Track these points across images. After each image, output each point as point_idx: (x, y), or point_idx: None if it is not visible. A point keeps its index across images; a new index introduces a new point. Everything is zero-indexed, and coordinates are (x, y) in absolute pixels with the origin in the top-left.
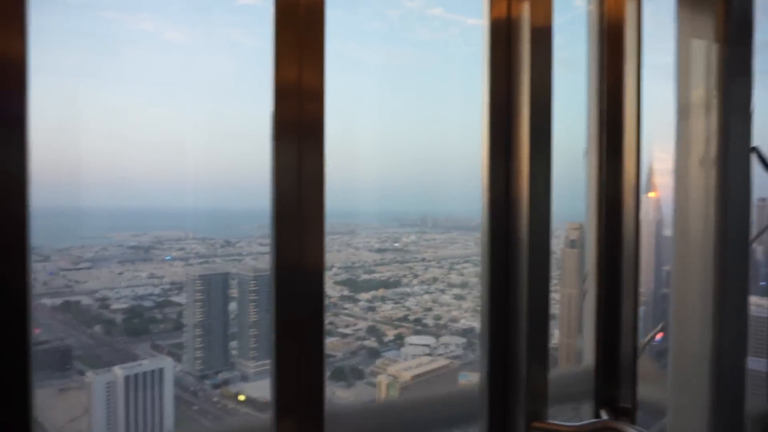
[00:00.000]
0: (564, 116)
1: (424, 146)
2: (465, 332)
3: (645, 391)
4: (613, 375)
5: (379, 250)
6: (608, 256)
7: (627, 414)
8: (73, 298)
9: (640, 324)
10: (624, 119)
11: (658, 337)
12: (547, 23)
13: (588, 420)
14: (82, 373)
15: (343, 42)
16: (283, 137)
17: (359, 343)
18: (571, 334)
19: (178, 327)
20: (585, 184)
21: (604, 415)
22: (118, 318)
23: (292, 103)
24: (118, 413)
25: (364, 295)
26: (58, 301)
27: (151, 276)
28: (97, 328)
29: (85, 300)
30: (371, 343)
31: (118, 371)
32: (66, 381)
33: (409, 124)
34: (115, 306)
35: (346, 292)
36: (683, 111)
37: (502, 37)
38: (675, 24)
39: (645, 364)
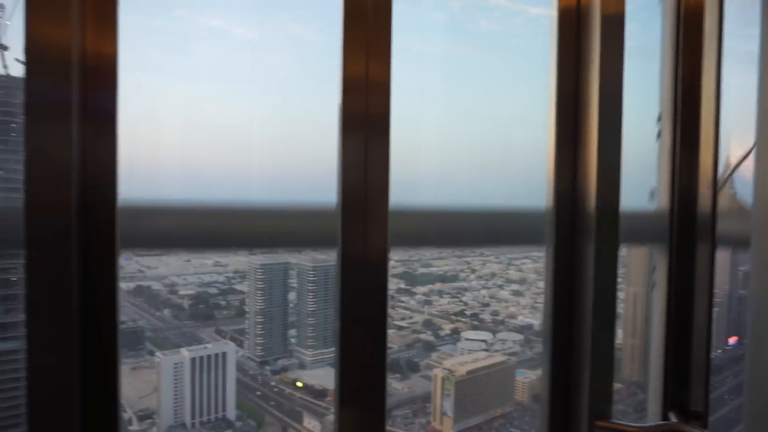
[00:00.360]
0: (635, 106)
1: (485, 140)
2: (523, 329)
3: None
4: (683, 377)
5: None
6: (680, 253)
7: (698, 418)
8: (145, 283)
9: (714, 326)
10: (701, 110)
11: (732, 341)
12: (618, 10)
13: (656, 422)
14: (152, 353)
15: (405, 35)
16: (350, 130)
17: (415, 336)
18: (635, 333)
19: (241, 314)
20: (656, 177)
21: (673, 418)
22: (185, 303)
23: (359, 97)
24: (184, 393)
25: (421, 289)
26: (132, 285)
27: (216, 264)
28: (166, 312)
29: (155, 285)
30: (427, 336)
31: (185, 353)
32: (138, 360)
33: (470, 117)
34: (182, 292)
35: (402, 285)
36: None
37: (571, 26)
38: (761, 8)
39: None
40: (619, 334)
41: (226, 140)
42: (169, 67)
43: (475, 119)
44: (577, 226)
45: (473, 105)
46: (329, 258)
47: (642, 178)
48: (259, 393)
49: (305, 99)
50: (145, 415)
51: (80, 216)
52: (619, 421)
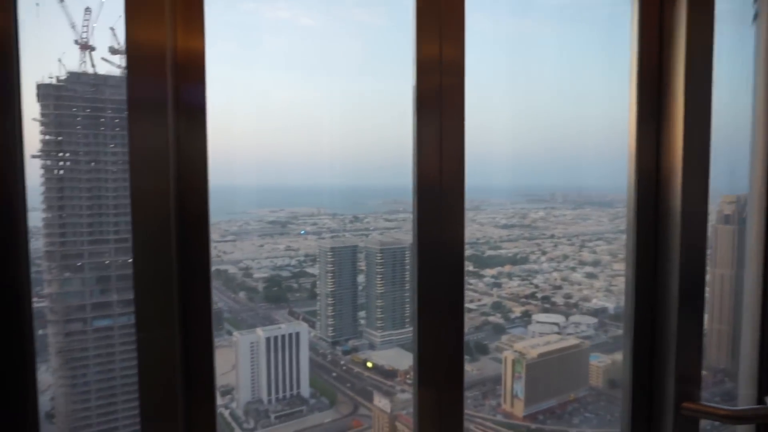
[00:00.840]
0: (725, 77)
1: (557, 119)
2: (597, 312)
3: None
4: None
5: (506, 226)
6: None
7: None
8: (222, 267)
9: None
10: None
11: None
12: None
13: (750, 406)
14: (230, 333)
15: (471, 14)
16: (425, 111)
17: (484, 318)
18: (722, 318)
19: (312, 296)
20: (749, 154)
21: None
22: (260, 286)
23: (434, 78)
24: (260, 371)
25: (489, 271)
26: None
27: (288, 248)
28: (242, 295)
29: (231, 269)
30: (496, 319)
31: (260, 332)
32: (218, 339)
33: (539, 97)
34: (256, 275)
35: (470, 268)
36: None
37: None
38: None
39: None
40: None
41: (299, 126)
42: (241, 59)
43: (544, 98)
44: (661, 206)
45: (541, 83)
46: (396, 241)
47: (728, 154)
48: (331, 372)
49: (375, 82)
50: (226, 391)
51: (177, 203)
52: (708, 404)
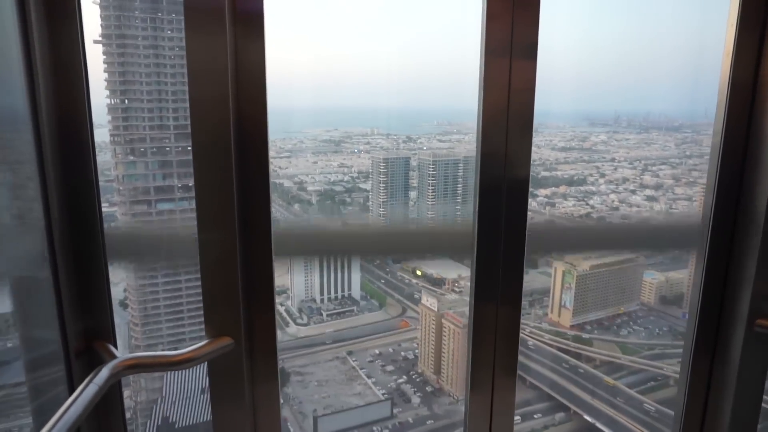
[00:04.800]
0: None
1: (625, 37)
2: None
3: None
4: None
5: (563, 149)
6: None
7: None
8: (278, 181)
9: None
10: None
11: None
12: None
13: None
14: None
15: None
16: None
17: (534, 234)
18: None
19: (365, 209)
20: None
21: None
22: (314, 199)
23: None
24: (314, 272)
25: (543, 191)
26: None
27: (341, 165)
28: (297, 207)
29: (287, 182)
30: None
31: None
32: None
33: (607, 11)
34: (310, 188)
35: None
36: None
37: None
38: None
39: None
40: None
41: (348, 47)
42: None
43: (611, 13)
44: (756, 118)
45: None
46: (449, 153)
47: None
48: (381, 279)
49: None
50: (281, 291)
51: (236, 111)
52: None
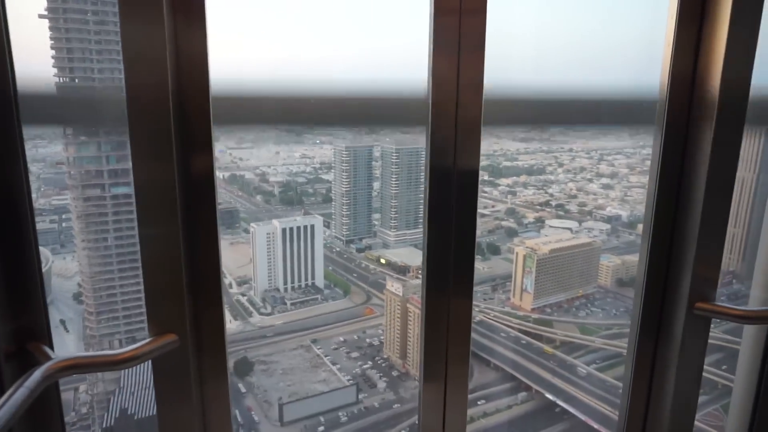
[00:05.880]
0: None
1: (577, 29)
2: (610, 219)
3: None
4: None
5: (523, 140)
6: None
7: None
8: (239, 173)
9: None
10: None
11: None
12: None
13: (765, 307)
14: (247, 231)
15: None
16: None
17: (497, 222)
18: (737, 222)
19: (327, 200)
20: None
21: None
22: (276, 190)
23: None
24: (277, 261)
25: (505, 180)
26: (227, 174)
27: (303, 156)
28: (258, 198)
29: (248, 174)
30: (509, 223)
31: (277, 224)
32: (235, 236)
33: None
34: (272, 179)
35: (485, 177)
36: None
37: None
38: None
39: None
40: None
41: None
42: None
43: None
44: (695, 109)
45: None
46: (412, 141)
47: None
48: (345, 267)
49: None
50: (243, 281)
51: (177, 100)
52: (722, 304)
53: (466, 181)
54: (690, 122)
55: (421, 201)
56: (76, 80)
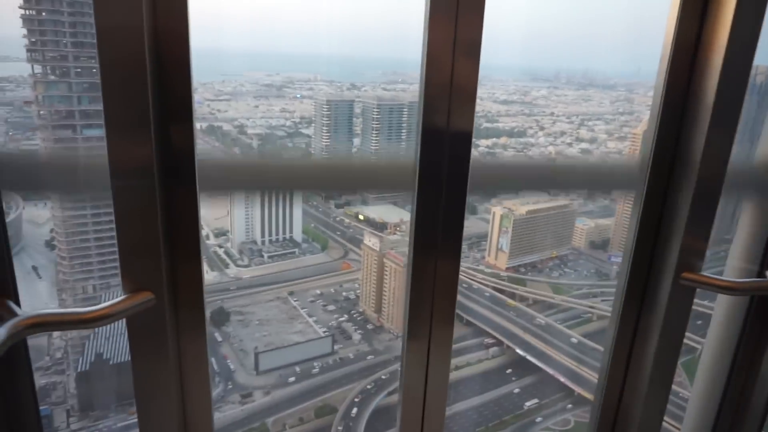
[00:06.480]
0: None
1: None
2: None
3: None
4: None
5: (505, 102)
6: None
7: None
8: (216, 124)
9: None
10: None
11: None
12: None
13: (751, 279)
14: None
15: None
16: None
17: (473, 182)
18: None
19: (307, 155)
20: None
21: None
22: (254, 143)
23: None
24: (254, 213)
25: (484, 141)
26: (205, 125)
27: (283, 110)
28: (237, 150)
29: (226, 126)
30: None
31: None
32: (212, 190)
33: None
34: (251, 132)
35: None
36: None
37: None
38: None
39: None
40: None
41: None
42: None
43: None
44: (696, 77)
45: None
46: (394, 97)
47: None
48: (323, 222)
49: None
50: (221, 233)
51: (153, 42)
52: (708, 275)
53: (460, 143)
54: (689, 90)
55: (402, 159)
56: (43, 13)
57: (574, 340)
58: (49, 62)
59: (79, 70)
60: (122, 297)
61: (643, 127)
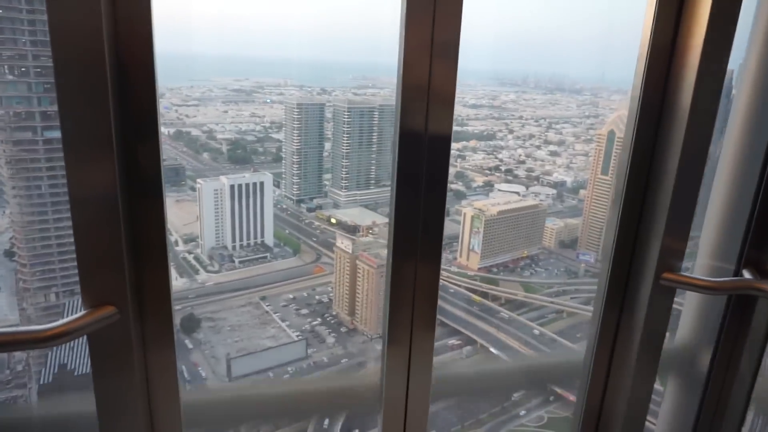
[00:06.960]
0: None
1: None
2: (557, 185)
3: None
4: (763, 236)
5: (474, 106)
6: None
7: None
8: (185, 129)
9: None
10: None
11: None
12: None
13: (729, 278)
14: (193, 189)
15: None
16: None
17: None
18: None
19: (278, 159)
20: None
21: (748, 275)
22: (224, 148)
23: None
24: (225, 219)
25: (455, 145)
26: (172, 130)
27: (253, 115)
28: (206, 155)
29: (195, 131)
30: (458, 186)
31: (225, 180)
32: (181, 194)
33: None
34: (220, 137)
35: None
36: None
37: None
38: None
39: None
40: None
41: None
42: None
43: None
44: (672, 76)
45: None
46: (365, 101)
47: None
48: (295, 226)
49: None
50: (190, 239)
51: (113, 42)
52: (688, 275)
53: (438, 145)
54: (666, 92)
55: (373, 162)
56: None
57: (544, 336)
58: (7, 61)
59: (39, 69)
60: (82, 312)
61: (607, 128)
